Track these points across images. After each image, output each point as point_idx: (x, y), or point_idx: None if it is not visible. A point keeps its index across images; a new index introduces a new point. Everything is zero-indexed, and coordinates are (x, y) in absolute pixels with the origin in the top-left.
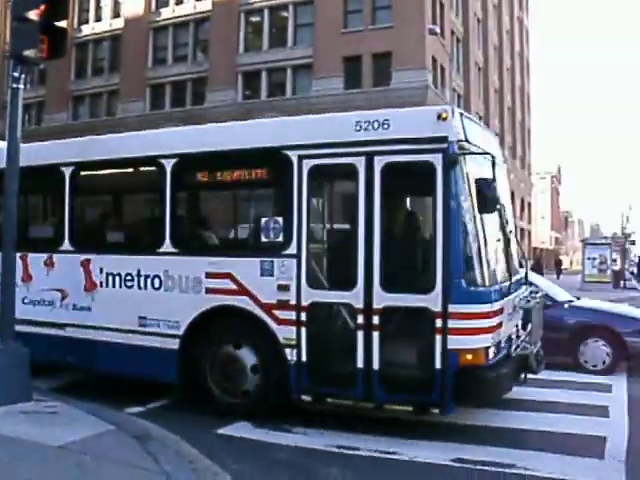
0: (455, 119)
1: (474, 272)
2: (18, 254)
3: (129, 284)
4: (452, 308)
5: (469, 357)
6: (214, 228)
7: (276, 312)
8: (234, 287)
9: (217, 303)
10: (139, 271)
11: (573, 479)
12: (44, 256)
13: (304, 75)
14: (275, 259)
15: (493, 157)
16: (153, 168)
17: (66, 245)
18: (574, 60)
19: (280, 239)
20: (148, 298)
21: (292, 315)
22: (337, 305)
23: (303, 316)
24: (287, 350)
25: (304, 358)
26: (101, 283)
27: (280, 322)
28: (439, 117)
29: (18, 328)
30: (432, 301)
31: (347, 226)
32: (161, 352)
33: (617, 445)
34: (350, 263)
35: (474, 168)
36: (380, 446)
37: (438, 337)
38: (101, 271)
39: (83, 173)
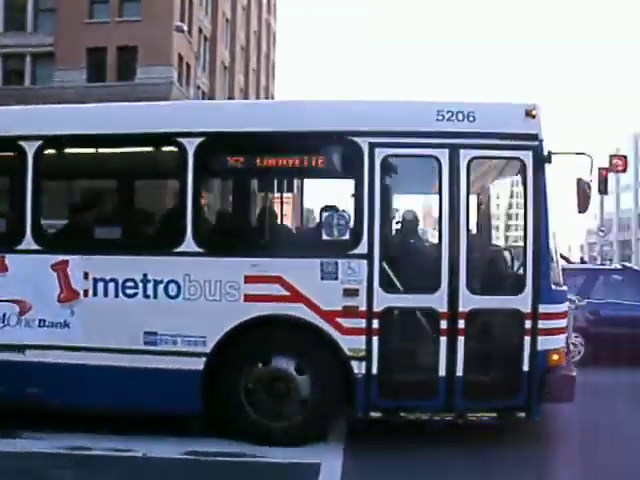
0: (541, 116)
1: (555, 272)
2: None
3: (130, 292)
4: (542, 308)
5: (555, 357)
6: (256, 223)
7: (340, 320)
8: (286, 293)
9: (261, 312)
10: (145, 276)
11: (299, 461)
12: None
13: (45, 64)
14: (340, 260)
15: (591, 157)
16: (170, 148)
17: (28, 242)
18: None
19: (347, 237)
20: (159, 309)
21: (361, 323)
22: (416, 310)
23: (375, 324)
24: (353, 363)
25: (374, 370)
26: (85, 292)
27: (345, 332)
28: (527, 114)
29: None
30: (522, 302)
31: (428, 223)
32: (178, 375)
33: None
34: (433, 264)
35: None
36: (113, 444)
37: (527, 338)
38: (86, 276)
39: (61, 150)
